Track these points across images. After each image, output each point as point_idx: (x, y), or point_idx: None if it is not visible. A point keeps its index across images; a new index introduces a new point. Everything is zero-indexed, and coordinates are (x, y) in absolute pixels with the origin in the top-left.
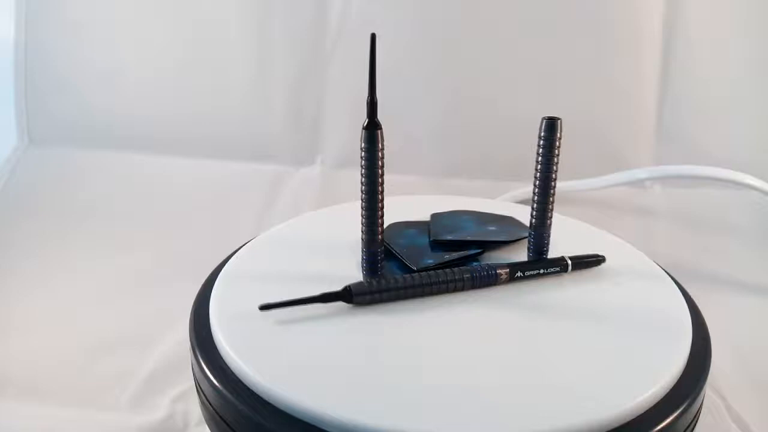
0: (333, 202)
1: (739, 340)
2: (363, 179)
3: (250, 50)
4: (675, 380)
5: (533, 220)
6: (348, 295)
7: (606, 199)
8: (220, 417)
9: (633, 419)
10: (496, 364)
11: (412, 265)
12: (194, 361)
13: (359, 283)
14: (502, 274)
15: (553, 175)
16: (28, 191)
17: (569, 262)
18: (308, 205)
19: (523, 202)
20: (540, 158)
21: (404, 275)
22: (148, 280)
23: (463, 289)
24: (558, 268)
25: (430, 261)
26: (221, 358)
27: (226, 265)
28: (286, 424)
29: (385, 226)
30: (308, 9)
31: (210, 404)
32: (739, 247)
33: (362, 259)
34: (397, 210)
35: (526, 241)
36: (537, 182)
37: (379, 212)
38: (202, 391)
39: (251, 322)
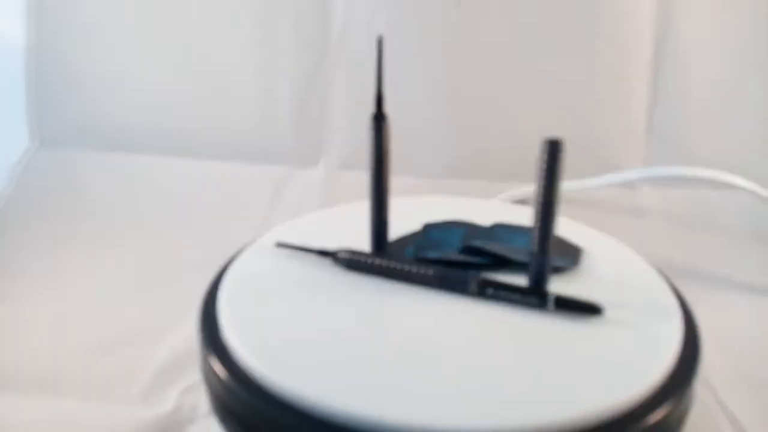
0: (336, 203)
1: (730, 338)
2: (372, 164)
3: (255, 53)
4: (666, 377)
5: (534, 247)
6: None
7: (597, 200)
8: (228, 409)
9: (623, 415)
10: (487, 360)
11: (417, 252)
12: (202, 353)
13: (343, 250)
14: (473, 285)
15: (556, 200)
16: (38, 193)
17: (552, 301)
18: (312, 207)
19: (522, 202)
20: (542, 182)
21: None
22: (156, 279)
23: (431, 285)
24: (536, 304)
25: (435, 255)
26: (228, 350)
27: (234, 263)
28: (293, 417)
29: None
30: (312, 11)
31: (217, 396)
32: (730, 247)
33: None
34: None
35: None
36: (539, 207)
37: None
38: (209, 382)
39: (259, 316)
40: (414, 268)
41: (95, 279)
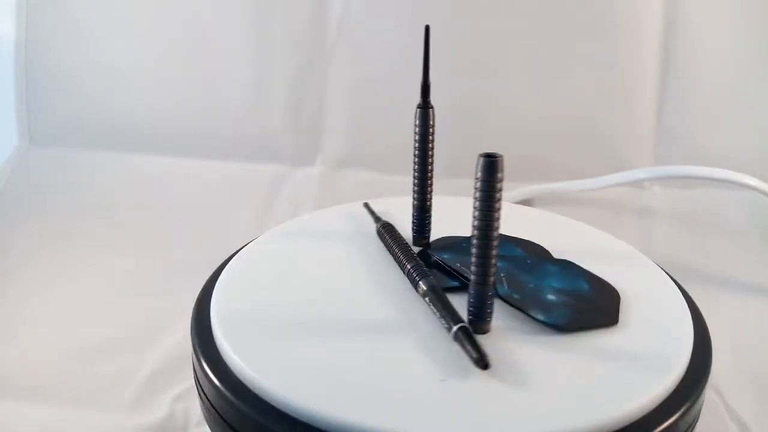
0: (333, 202)
1: (738, 339)
2: (416, 151)
3: (250, 50)
4: (677, 382)
5: (473, 277)
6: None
7: (605, 199)
8: (221, 417)
9: (634, 421)
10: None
11: (433, 253)
12: (195, 361)
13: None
14: (421, 287)
15: (496, 224)
16: (29, 191)
17: (454, 331)
18: (308, 205)
19: (522, 202)
20: (478, 204)
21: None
22: (149, 280)
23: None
24: (444, 325)
25: (446, 256)
26: (222, 357)
27: (228, 265)
28: (286, 424)
29: None
30: (308, 8)
31: (210, 404)
32: (739, 247)
33: (416, 221)
34: (397, 210)
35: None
36: (475, 233)
37: (429, 182)
38: (202, 390)
39: (252, 321)
40: (408, 262)
41: (87, 281)
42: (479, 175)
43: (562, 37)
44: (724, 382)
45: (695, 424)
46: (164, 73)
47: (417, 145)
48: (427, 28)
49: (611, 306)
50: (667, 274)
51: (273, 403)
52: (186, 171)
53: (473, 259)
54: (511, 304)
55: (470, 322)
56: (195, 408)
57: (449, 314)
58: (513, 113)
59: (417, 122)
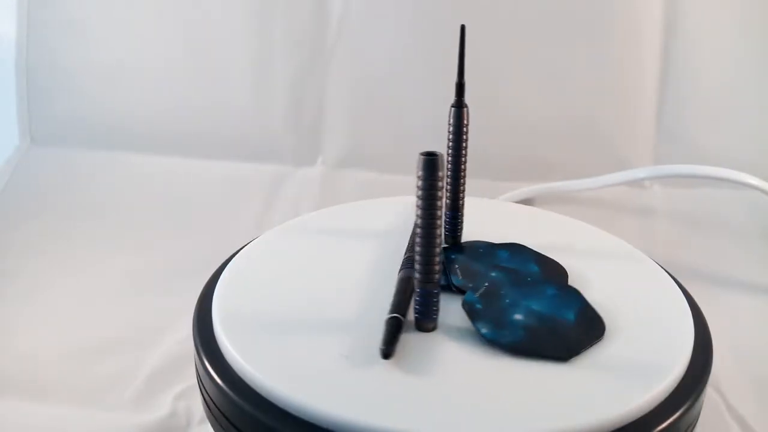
0: (334, 202)
1: (738, 338)
2: (450, 150)
3: (251, 50)
4: (677, 381)
5: (417, 276)
6: None
7: (605, 198)
8: (223, 415)
9: (635, 420)
10: (493, 365)
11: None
12: (197, 359)
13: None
14: (398, 276)
15: (438, 221)
16: (29, 191)
17: (386, 319)
18: (309, 205)
19: (523, 201)
20: (420, 203)
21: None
22: (150, 280)
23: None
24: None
25: (453, 256)
26: (223, 356)
27: (229, 264)
28: (287, 422)
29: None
30: (308, 8)
31: (212, 402)
32: (739, 247)
33: (449, 220)
34: (397, 210)
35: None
36: (418, 231)
37: (462, 180)
38: (204, 389)
39: (254, 320)
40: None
41: (88, 280)
42: (420, 173)
43: (562, 37)
44: (724, 381)
45: (696, 424)
46: (165, 73)
47: (450, 144)
48: (463, 28)
49: (581, 342)
50: (668, 273)
51: (275, 402)
52: (186, 171)
53: (417, 257)
54: (466, 312)
55: (416, 319)
56: (197, 406)
57: (396, 304)
58: (513, 113)
59: (451, 121)
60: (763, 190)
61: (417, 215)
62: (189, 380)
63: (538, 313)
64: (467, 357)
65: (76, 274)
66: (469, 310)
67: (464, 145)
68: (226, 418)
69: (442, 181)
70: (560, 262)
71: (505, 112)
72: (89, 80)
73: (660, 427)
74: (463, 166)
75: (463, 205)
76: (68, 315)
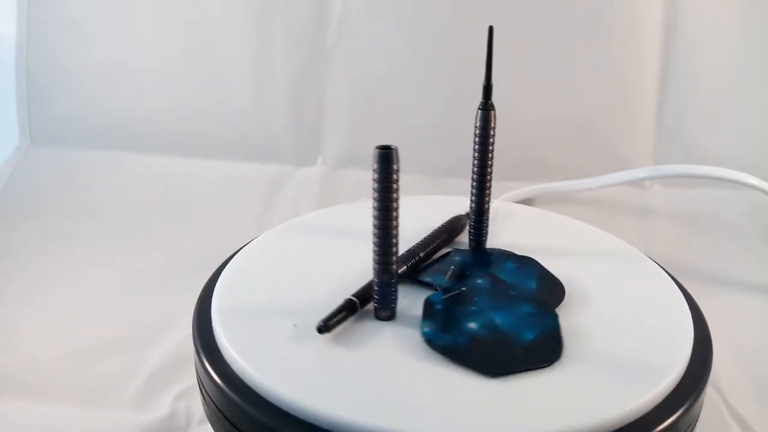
0: (334, 202)
1: (738, 338)
2: (476, 153)
3: (252, 50)
4: (677, 381)
5: (375, 266)
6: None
7: (605, 198)
8: (223, 415)
9: (634, 421)
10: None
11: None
12: (197, 359)
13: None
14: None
15: (394, 213)
16: (29, 191)
17: (344, 300)
18: (309, 205)
19: (523, 201)
20: (376, 195)
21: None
22: (150, 280)
23: None
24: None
25: (457, 258)
26: (223, 356)
27: (229, 265)
28: (287, 423)
29: None
30: (308, 8)
31: (212, 402)
32: (739, 247)
33: (474, 224)
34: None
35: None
36: (375, 222)
37: (488, 184)
38: (204, 389)
39: (254, 320)
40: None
41: (88, 280)
42: (375, 167)
43: (563, 38)
44: (724, 381)
45: (696, 424)
46: (165, 73)
47: (477, 147)
48: (491, 29)
49: (518, 364)
50: (667, 273)
51: (275, 402)
52: (186, 171)
53: (374, 248)
54: (423, 309)
55: (375, 308)
56: (197, 406)
57: (361, 290)
58: (513, 113)
59: (477, 124)
60: (763, 190)
61: (373, 207)
62: (189, 380)
63: (496, 327)
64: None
65: (76, 274)
66: (427, 308)
67: (491, 148)
68: (226, 418)
69: (396, 174)
70: (560, 262)
71: (505, 112)
72: (89, 80)
73: (659, 428)
74: (489, 169)
75: (488, 209)
76: (68, 315)
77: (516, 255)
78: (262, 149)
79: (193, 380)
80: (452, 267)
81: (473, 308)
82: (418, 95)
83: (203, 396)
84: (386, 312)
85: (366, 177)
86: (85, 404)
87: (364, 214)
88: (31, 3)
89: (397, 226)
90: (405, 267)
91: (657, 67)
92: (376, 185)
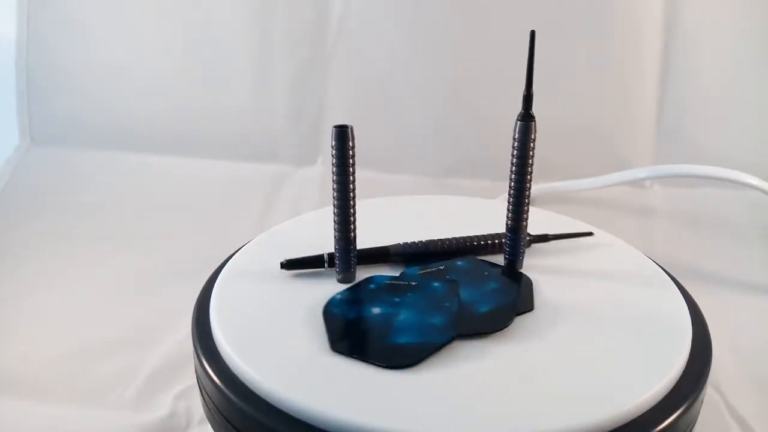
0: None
1: (738, 338)
2: (513, 167)
3: (252, 50)
4: (676, 380)
5: (336, 234)
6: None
7: (606, 198)
8: (222, 415)
9: (634, 419)
10: (495, 365)
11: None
12: (196, 360)
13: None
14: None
15: (351, 186)
16: (29, 191)
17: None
18: (309, 205)
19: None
20: (335, 169)
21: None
22: (150, 279)
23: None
24: None
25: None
26: (222, 357)
27: (227, 265)
28: (286, 423)
29: None
30: (309, 9)
31: (212, 403)
32: (739, 247)
33: (509, 242)
34: (398, 210)
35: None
36: (335, 194)
37: (526, 199)
38: (203, 389)
39: (252, 320)
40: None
41: (88, 280)
42: (333, 143)
43: (563, 38)
44: (724, 380)
45: (695, 424)
46: (165, 73)
47: (515, 161)
48: (533, 34)
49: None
50: (667, 273)
51: (273, 402)
52: (186, 171)
53: (334, 218)
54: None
55: (336, 272)
56: (197, 406)
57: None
58: (513, 113)
59: (516, 136)
60: (763, 190)
61: (333, 180)
62: (189, 380)
63: (408, 321)
64: (469, 357)
65: (76, 274)
66: (400, 278)
67: (530, 162)
68: (225, 418)
69: (352, 150)
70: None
71: (505, 112)
72: (89, 80)
73: (659, 427)
74: (528, 184)
75: (525, 226)
76: (69, 315)
77: (495, 273)
78: (262, 149)
79: (193, 380)
80: (441, 267)
81: (409, 296)
82: (418, 95)
83: (202, 396)
84: (345, 274)
85: (367, 177)
86: (85, 404)
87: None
88: (31, 3)
89: (354, 197)
90: (402, 251)
91: (657, 67)
92: (334, 160)
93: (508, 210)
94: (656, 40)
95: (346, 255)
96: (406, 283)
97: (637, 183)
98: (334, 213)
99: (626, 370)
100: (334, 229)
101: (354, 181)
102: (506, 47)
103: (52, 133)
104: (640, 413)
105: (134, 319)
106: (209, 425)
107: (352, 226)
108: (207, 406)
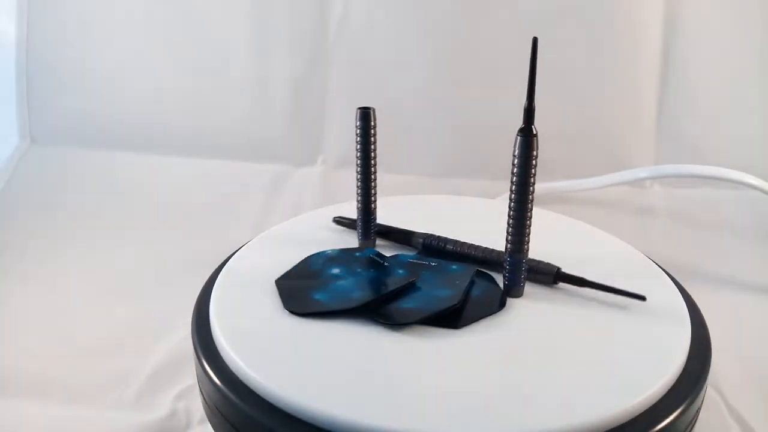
0: (334, 202)
1: (738, 338)
2: (513, 186)
3: (252, 50)
4: (675, 380)
5: (358, 209)
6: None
7: (606, 198)
8: (222, 415)
9: (633, 418)
10: (495, 364)
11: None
12: (196, 360)
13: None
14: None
15: (373, 162)
16: (29, 190)
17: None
18: (309, 205)
19: None
20: (359, 147)
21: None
22: (149, 279)
23: None
24: None
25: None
26: (222, 357)
27: (227, 264)
28: (285, 422)
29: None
30: (309, 9)
31: (212, 402)
32: (739, 247)
33: (508, 266)
34: (397, 210)
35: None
36: (358, 176)
37: (528, 214)
38: (203, 389)
39: (252, 321)
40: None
41: (88, 280)
42: (357, 123)
43: (563, 38)
44: (724, 381)
45: (695, 423)
46: (165, 73)
47: (515, 178)
48: (535, 41)
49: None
50: (667, 273)
51: (273, 402)
52: (187, 171)
53: (358, 190)
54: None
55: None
56: (197, 406)
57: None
58: (513, 113)
59: (516, 152)
60: (763, 190)
61: (357, 156)
62: (189, 380)
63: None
64: (468, 355)
65: (75, 273)
66: (391, 259)
67: (532, 180)
68: (225, 418)
69: (374, 129)
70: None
71: (505, 112)
72: (89, 80)
73: (657, 427)
74: (530, 204)
75: (527, 250)
76: (68, 315)
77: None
78: (262, 149)
79: (193, 380)
80: (433, 263)
81: (398, 273)
82: (419, 95)
83: (202, 396)
84: (366, 240)
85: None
86: (85, 404)
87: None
88: (31, 3)
89: (375, 172)
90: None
91: (657, 67)
92: (358, 138)
93: (507, 232)
94: (656, 40)
95: (367, 223)
96: (427, 262)
97: (637, 183)
98: (357, 186)
99: (625, 369)
100: (357, 201)
101: (375, 157)
102: (507, 46)
103: (52, 133)
104: (638, 413)
105: (134, 318)
106: (209, 425)
107: (373, 198)
108: (207, 405)
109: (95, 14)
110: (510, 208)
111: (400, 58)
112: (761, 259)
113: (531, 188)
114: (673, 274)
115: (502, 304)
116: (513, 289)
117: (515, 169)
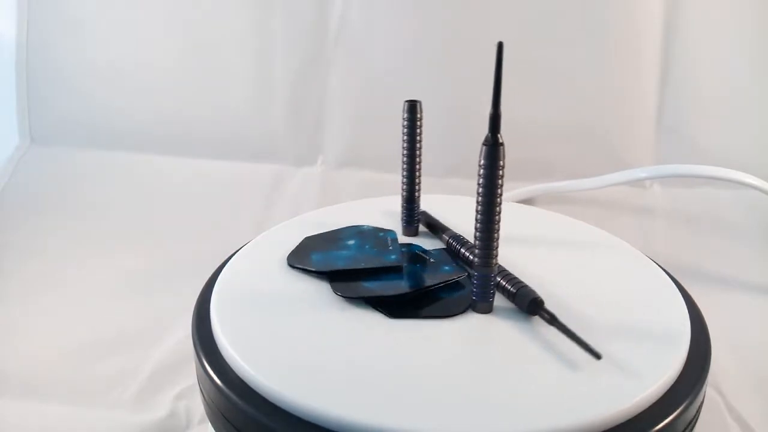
0: (334, 202)
1: (738, 338)
2: (480, 197)
3: (252, 50)
4: (674, 379)
5: (403, 198)
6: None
7: (606, 198)
8: (223, 415)
9: (631, 419)
10: (494, 362)
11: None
12: (196, 359)
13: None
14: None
15: (418, 158)
16: (30, 191)
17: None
18: (309, 205)
19: (523, 201)
20: (405, 138)
21: None
22: (150, 279)
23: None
24: None
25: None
26: (222, 356)
27: (228, 264)
28: (287, 422)
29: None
30: (309, 9)
31: (212, 402)
32: (739, 247)
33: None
34: (397, 209)
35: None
36: (404, 166)
37: (496, 227)
38: (204, 389)
39: (253, 320)
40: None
41: (88, 280)
42: (405, 116)
43: (563, 38)
44: (725, 381)
45: (695, 423)
46: (165, 73)
47: (481, 189)
48: (500, 46)
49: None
50: (667, 273)
51: (274, 402)
52: (187, 171)
53: (403, 179)
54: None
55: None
56: (197, 406)
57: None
58: (514, 114)
59: (482, 162)
60: (763, 190)
61: (403, 147)
62: (189, 380)
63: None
64: (468, 353)
65: (76, 274)
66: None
67: (499, 192)
68: (226, 418)
69: (420, 121)
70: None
71: (505, 112)
72: (89, 80)
73: (657, 427)
74: (498, 216)
75: (496, 264)
76: (68, 315)
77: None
78: (262, 149)
79: (193, 380)
80: (431, 260)
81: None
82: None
83: (203, 395)
84: (408, 227)
85: (366, 177)
86: (85, 404)
87: (363, 213)
88: (31, 3)
89: (420, 162)
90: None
91: (657, 67)
92: (405, 130)
93: (475, 246)
94: (656, 40)
95: (411, 211)
96: (427, 257)
97: (637, 183)
98: (402, 176)
99: (624, 368)
100: (402, 190)
101: (420, 148)
102: (508, 46)
103: (52, 133)
104: (637, 413)
105: (134, 318)
106: (209, 425)
107: (417, 186)
108: (207, 405)
109: (95, 14)
110: (476, 220)
111: (400, 57)
112: (761, 259)
113: (498, 200)
114: (673, 274)
115: (464, 311)
116: (479, 305)
117: (481, 180)
